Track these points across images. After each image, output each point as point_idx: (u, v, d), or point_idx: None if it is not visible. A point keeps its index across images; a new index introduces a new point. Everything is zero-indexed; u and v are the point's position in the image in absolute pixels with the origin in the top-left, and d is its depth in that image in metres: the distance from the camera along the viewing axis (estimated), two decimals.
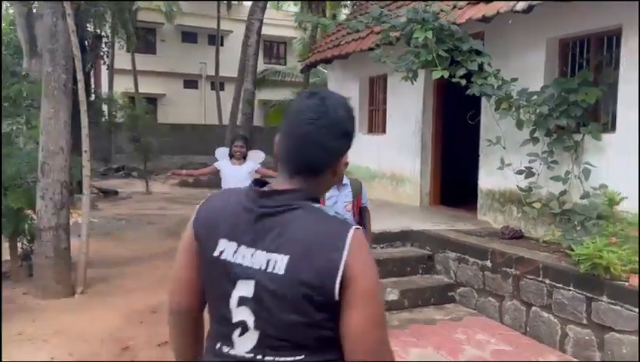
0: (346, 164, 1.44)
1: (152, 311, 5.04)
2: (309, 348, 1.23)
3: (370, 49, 6.90)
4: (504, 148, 5.38)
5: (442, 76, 5.23)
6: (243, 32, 25.22)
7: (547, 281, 4.13)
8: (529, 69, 5.42)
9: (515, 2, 4.80)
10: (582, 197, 4.75)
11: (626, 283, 3.55)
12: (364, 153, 8.32)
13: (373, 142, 8.13)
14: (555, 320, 4.05)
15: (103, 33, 17.92)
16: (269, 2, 22.31)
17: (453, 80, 5.19)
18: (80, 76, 5.51)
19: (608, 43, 4.95)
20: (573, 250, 4.09)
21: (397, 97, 7.54)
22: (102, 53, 16.87)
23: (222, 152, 5.95)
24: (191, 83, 29.30)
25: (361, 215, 3.84)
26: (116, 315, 4.93)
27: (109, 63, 21.34)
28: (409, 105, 7.25)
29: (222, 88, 28.11)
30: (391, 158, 7.63)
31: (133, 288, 5.82)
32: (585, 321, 3.81)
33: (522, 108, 5.14)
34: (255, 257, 1.24)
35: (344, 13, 23.68)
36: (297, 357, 1.23)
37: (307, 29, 25.81)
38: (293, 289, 1.19)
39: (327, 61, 8.43)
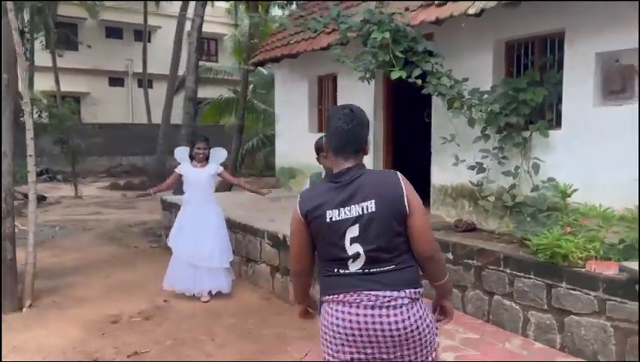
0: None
1: (113, 322, 4.87)
2: (396, 258, 2.07)
3: (323, 48, 6.99)
4: (458, 145, 5.62)
5: (391, 76, 5.40)
6: (172, 28, 24.58)
7: (508, 271, 4.38)
8: (478, 70, 5.68)
9: (469, 5, 5.03)
10: (532, 191, 5.07)
11: (583, 269, 3.85)
12: (314, 152, 8.36)
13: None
14: (517, 307, 4.30)
15: (23, 29, 16.79)
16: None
17: (410, 80, 5.36)
18: (24, 75, 5.16)
19: (551, 45, 5.30)
20: (526, 241, 4.38)
21: (347, 97, 7.64)
22: (23, 50, 15.78)
23: (181, 153, 5.73)
24: (117, 81, 28.14)
25: None
26: (75, 327, 4.71)
27: (29, 61, 20.00)
28: (360, 104, 7.31)
29: (150, 86, 27.17)
30: None
31: (86, 298, 5.58)
32: (546, 307, 4.08)
33: (474, 107, 5.40)
34: (352, 211, 2.05)
35: (278, 11, 23.64)
36: (389, 267, 2.06)
37: (240, 26, 25.48)
38: (383, 215, 2.05)
39: (275, 60, 8.40)
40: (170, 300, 5.40)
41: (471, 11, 5.01)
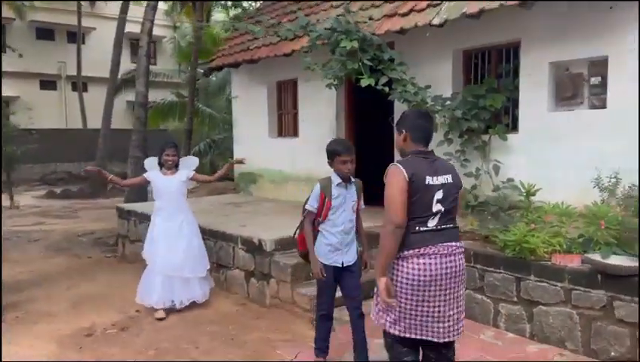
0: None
1: (87, 335, 4.75)
2: (453, 219, 2.92)
3: (286, 55, 7.09)
4: None
5: (361, 83, 5.60)
6: (107, 30, 23.70)
7: (478, 266, 4.66)
8: (438, 77, 5.98)
9: (432, 16, 5.30)
10: (493, 190, 5.40)
11: (549, 263, 4.17)
12: (275, 156, 8.45)
13: (285, 146, 8.30)
14: (488, 300, 4.59)
15: None
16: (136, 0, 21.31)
17: (378, 87, 5.57)
18: None
19: (507, 54, 5.67)
20: (494, 237, 4.70)
21: (309, 102, 7.79)
22: None
23: (151, 162, 5.58)
24: (48, 84, 26.82)
25: (358, 216, 3.92)
26: (47, 343, 4.55)
27: None
28: (323, 110, 7.54)
29: (85, 89, 26.14)
30: (306, 161, 7.85)
31: (52, 312, 5.38)
32: (515, 299, 4.39)
33: (437, 112, 5.68)
34: (440, 179, 2.83)
35: (220, 14, 23.42)
36: (451, 225, 2.90)
37: (179, 28, 24.99)
38: (454, 186, 2.89)
39: (234, 65, 8.39)
40: (142, 310, 5.29)
41: (435, 22, 5.28)
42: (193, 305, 5.32)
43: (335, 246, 3.74)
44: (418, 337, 2.87)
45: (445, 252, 2.81)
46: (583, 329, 3.97)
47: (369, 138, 8.04)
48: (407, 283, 2.80)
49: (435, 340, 2.86)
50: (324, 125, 7.59)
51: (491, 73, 5.80)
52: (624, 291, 3.76)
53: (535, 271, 4.24)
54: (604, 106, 4.78)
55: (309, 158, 7.86)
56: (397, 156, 6.51)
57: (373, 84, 5.50)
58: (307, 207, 3.80)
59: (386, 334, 2.98)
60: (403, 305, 2.82)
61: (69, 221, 12.37)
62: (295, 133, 8.31)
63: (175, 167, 5.43)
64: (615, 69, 4.65)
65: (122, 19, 18.33)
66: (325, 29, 5.78)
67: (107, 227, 11.11)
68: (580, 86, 5.01)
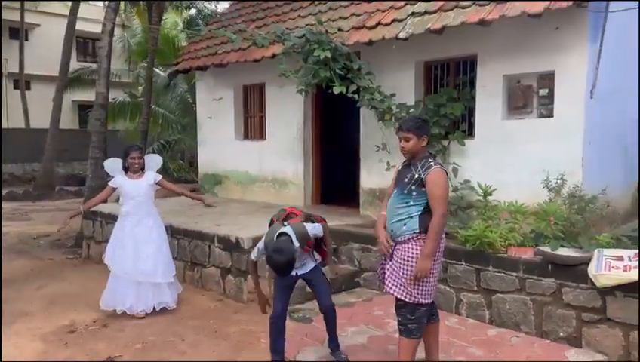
0: None
1: (70, 331, 4.86)
2: None
3: (255, 60, 7.36)
4: (389, 152, 6.31)
5: (334, 90, 5.96)
6: (52, 27, 22.94)
7: (442, 259, 5.09)
8: (401, 86, 6.42)
9: (399, 30, 5.73)
10: (452, 191, 5.86)
11: (506, 255, 4.67)
12: (242, 158, 8.67)
13: (252, 148, 8.54)
14: (451, 289, 5.05)
15: None
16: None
17: (348, 95, 5.95)
18: None
19: (464, 66, 6.18)
20: (454, 233, 5.16)
21: (276, 105, 8.08)
22: None
23: (112, 165, 5.45)
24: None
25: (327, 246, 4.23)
26: (31, 340, 4.63)
27: None
28: (290, 113, 7.85)
29: (28, 87, 25.17)
30: (272, 163, 8.13)
31: (27, 312, 5.42)
32: (475, 288, 4.86)
33: (401, 119, 6.11)
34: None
35: (171, 14, 23.19)
36: None
37: (129, 27, 24.56)
38: None
39: (202, 68, 8.55)
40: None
41: (401, 35, 5.72)
42: (163, 311, 5.24)
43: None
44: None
45: None
46: (536, 314, 4.48)
47: (333, 141, 8.45)
48: (439, 259, 3.55)
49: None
50: (292, 128, 7.90)
51: (450, 83, 6.31)
52: (571, 278, 4.28)
53: (493, 263, 4.72)
54: (551, 115, 5.36)
55: (275, 160, 8.16)
56: (364, 158, 6.93)
57: (344, 92, 5.87)
58: (252, 256, 4.07)
59: (417, 306, 3.50)
60: (434, 277, 3.52)
61: (21, 223, 12.04)
62: (262, 136, 8.57)
63: (141, 169, 5.36)
64: (561, 82, 5.24)
65: (73, 20, 17.94)
66: (298, 37, 6.11)
67: (64, 229, 10.93)
68: (530, 97, 5.57)
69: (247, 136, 8.92)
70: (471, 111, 6.05)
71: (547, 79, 5.40)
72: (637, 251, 4.17)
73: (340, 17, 6.72)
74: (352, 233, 5.98)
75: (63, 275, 6.91)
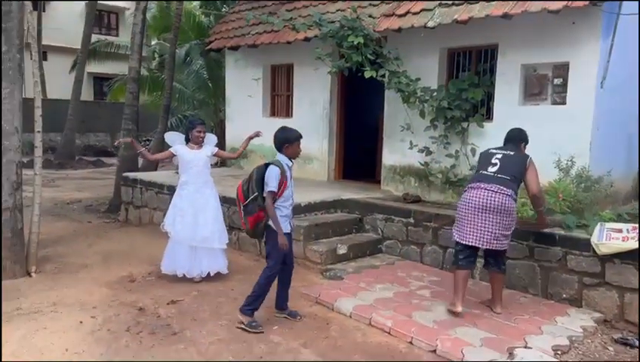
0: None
1: (130, 281, 5.46)
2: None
3: (288, 42, 7.87)
4: (412, 132, 6.87)
5: (365, 75, 6.49)
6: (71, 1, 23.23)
7: None
8: (425, 71, 6.93)
9: (428, 18, 6.24)
10: (470, 169, 6.46)
11: (518, 226, 5.25)
12: (268, 135, 9.18)
13: (279, 125, 9.03)
14: None
15: None
16: None
17: (378, 78, 6.48)
18: (36, 56, 5.47)
19: (485, 55, 6.70)
20: None
21: (304, 86, 8.61)
22: None
23: (174, 137, 5.84)
24: None
25: None
26: (98, 286, 5.24)
27: None
28: (316, 93, 8.39)
29: (45, 58, 25.60)
30: None
31: (86, 264, 6.04)
32: None
33: (426, 102, 6.66)
34: (500, 154, 4.63)
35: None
36: (508, 177, 4.47)
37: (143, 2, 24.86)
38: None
39: (234, 48, 9.06)
40: None
41: (430, 24, 6.23)
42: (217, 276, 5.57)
43: (288, 216, 4.37)
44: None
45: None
46: (543, 278, 5.08)
47: (354, 120, 9.00)
48: (466, 208, 4.58)
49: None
50: (318, 107, 8.45)
51: (471, 70, 6.83)
52: (574, 247, 4.88)
53: None
54: (563, 103, 5.90)
55: None
56: (387, 138, 7.47)
57: (375, 76, 6.40)
58: (271, 188, 4.16)
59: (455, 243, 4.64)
60: (467, 221, 4.53)
61: (51, 190, 12.64)
62: (288, 114, 9.12)
63: (202, 142, 5.70)
64: (574, 72, 5.77)
65: None
66: (331, 22, 6.62)
67: (92, 196, 11.58)
68: (545, 85, 6.11)
69: (273, 113, 9.46)
70: (490, 97, 6.58)
71: (561, 69, 5.92)
72: (635, 225, 4.76)
73: (370, 4, 7.21)
74: (376, 205, 6.58)
75: (109, 236, 7.54)
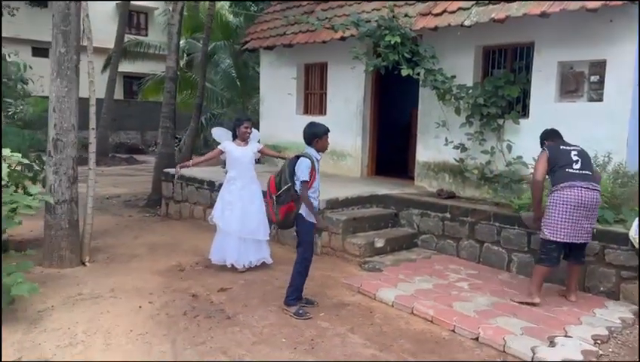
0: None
1: (180, 270, 5.74)
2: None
3: (324, 42, 8.08)
4: (448, 129, 7.01)
5: (402, 73, 6.66)
6: (102, 2, 23.80)
7: (497, 224, 5.84)
8: (461, 69, 7.06)
9: (464, 17, 6.37)
10: (507, 166, 6.57)
11: None
12: (301, 132, 9.43)
13: None
14: (503, 250, 5.79)
15: None
16: None
17: (415, 76, 6.64)
18: (91, 57, 5.78)
19: (520, 52, 6.80)
20: (497, 204, 5.92)
21: (338, 84, 8.81)
22: None
23: (222, 133, 6.03)
24: (41, 51, 26.84)
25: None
26: (151, 274, 5.52)
27: None
28: (350, 91, 8.58)
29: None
30: (332, 136, 8.71)
31: (136, 255, 6.33)
32: (526, 249, 5.59)
33: (461, 99, 6.79)
34: (574, 150, 4.79)
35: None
36: (590, 172, 4.68)
37: (173, 2, 25.37)
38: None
39: (270, 48, 9.31)
40: None
41: (466, 23, 6.36)
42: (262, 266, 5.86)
43: (316, 206, 4.59)
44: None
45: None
46: (581, 271, 5.18)
47: (386, 118, 9.16)
48: (561, 207, 4.69)
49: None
50: (351, 105, 8.64)
51: (506, 67, 6.93)
52: (612, 241, 4.97)
53: None
54: (600, 100, 5.98)
55: (335, 134, 8.81)
56: (421, 134, 7.63)
57: (411, 74, 6.56)
58: (304, 178, 4.38)
59: (546, 241, 4.73)
60: (560, 219, 4.67)
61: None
62: (321, 112, 9.32)
63: (248, 138, 5.90)
64: (611, 70, 5.84)
65: None
66: (367, 22, 6.80)
67: (129, 191, 11.98)
68: (581, 82, 6.19)
69: (306, 111, 9.68)
70: (525, 93, 6.68)
71: (598, 67, 6.00)
72: None
73: (406, 4, 7.36)
74: (412, 200, 6.74)
75: (152, 228, 7.86)
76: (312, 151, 4.57)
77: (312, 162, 4.46)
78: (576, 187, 4.57)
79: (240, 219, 5.68)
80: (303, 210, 4.51)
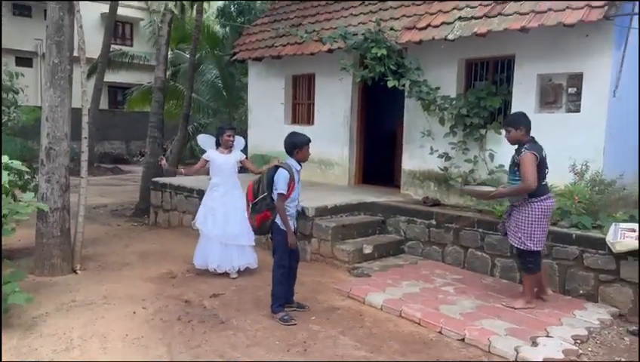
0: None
1: (171, 277, 5.82)
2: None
3: (311, 54, 8.27)
4: (432, 139, 7.22)
5: (387, 84, 6.87)
6: (85, 11, 23.83)
7: (480, 230, 6.04)
8: (445, 80, 7.28)
9: (447, 32, 6.61)
10: (489, 174, 6.79)
11: None
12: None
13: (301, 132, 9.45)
14: (487, 255, 5.98)
15: None
16: None
17: (400, 88, 6.85)
18: (84, 68, 5.88)
19: (501, 65, 7.05)
20: (481, 211, 6.10)
21: (326, 95, 8.99)
22: None
23: (206, 140, 6.18)
24: (25, 61, 26.70)
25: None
26: (143, 281, 5.59)
27: None
28: (338, 102, 8.77)
29: None
30: (319, 146, 8.93)
31: (127, 263, 6.39)
32: (508, 254, 5.78)
33: (445, 110, 7.01)
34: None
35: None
36: None
37: (158, 13, 25.48)
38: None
39: (258, 59, 9.47)
40: None
41: (450, 37, 6.59)
42: (246, 271, 6.00)
43: (293, 215, 4.67)
44: None
45: None
46: (560, 275, 5.40)
47: (373, 127, 9.37)
48: (542, 220, 4.85)
49: None
50: (339, 115, 8.82)
51: (488, 79, 7.18)
52: (590, 246, 5.19)
53: None
54: (578, 110, 6.24)
55: (322, 144, 9.04)
56: (406, 144, 7.84)
57: (397, 86, 6.77)
58: (280, 190, 4.45)
59: (531, 253, 4.81)
60: (542, 231, 4.85)
61: (76, 195, 13.03)
62: (309, 121, 9.49)
63: (231, 146, 6.08)
64: (588, 82, 6.10)
65: (114, 5, 18.94)
66: (354, 35, 7.00)
67: (116, 201, 11.99)
68: (560, 94, 6.45)
69: (294, 121, 9.84)
70: (507, 104, 6.92)
71: (576, 79, 6.26)
72: None
73: (392, 18, 7.59)
74: (399, 207, 6.92)
75: (141, 237, 7.91)
76: (292, 161, 4.63)
77: (291, 173, 4.52)
78: (550, 197, 4.80)
79: (222, 225, 5.83)
80: (279, 219, 4.59)
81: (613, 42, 5.90)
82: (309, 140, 4.70)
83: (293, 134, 4.71)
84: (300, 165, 4.70)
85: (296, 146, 4.61)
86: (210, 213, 5.91)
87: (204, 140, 6.28)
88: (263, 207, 4.57)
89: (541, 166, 4.65)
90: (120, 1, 25.09)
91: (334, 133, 8.87)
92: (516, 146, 4.84)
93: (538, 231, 4.72)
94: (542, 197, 4.69)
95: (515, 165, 4.75)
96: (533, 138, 4.82)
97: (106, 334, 4.15)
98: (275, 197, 4.54)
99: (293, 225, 4.70)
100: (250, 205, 4.65)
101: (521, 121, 4.78)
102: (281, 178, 4.47)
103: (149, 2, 27.74)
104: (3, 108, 6.92)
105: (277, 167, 4.58)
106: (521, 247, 4.79)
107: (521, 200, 4.73)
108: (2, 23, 24.02)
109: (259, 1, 17.62)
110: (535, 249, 4.77)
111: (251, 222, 4.72)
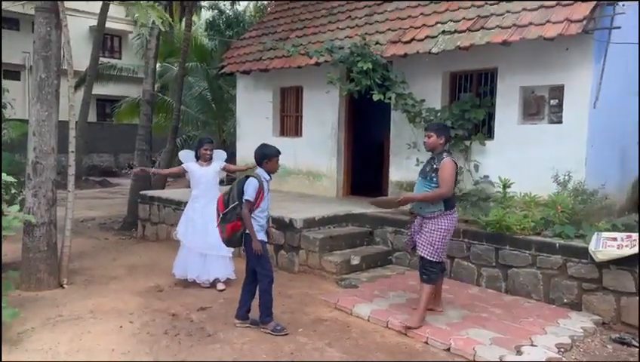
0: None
1: (159, 291, 5.81)
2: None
3: (299, 67, 8.35)
4: (419, 150, 7.31)
5: (373, 98, 6.95)
6: (72, 23, 23.86)
7: (466, 240, 6.10)
8: (430, 93, 7.40)
9: (431, 45, 6.73)
10: (474, 184, 6.88)
11: (521, 237, 5.65)
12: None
13: (288, 144, 9.43)
14: (473, 265, 6.04)
15: None
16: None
17: (386, 101, 6.95)
18: (71, 82, 5.90)
19: (485, 77, 7.18)
20: (467, 221, 6.18)
21: (313, 107, 9.07)
22: None
23: (186, 155, 6.35)
24: (12, 74, 26.60)
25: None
26: (130, 295, 5.59)
27: None
28: (325, 114, 8.85)
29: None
30: (308, 157, 9.11)
31: (114, 276, 6.38)
32: (494, 264, 5.85)
33: (430, 122, 7.10)
34: None
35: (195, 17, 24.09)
36: None
37: (146, 27, 25.52)
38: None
39: (246, 72, 9.54)
40: None
41: (434, 50, 6.71)
42: (227, 282, 6.01)
43: (263, 226, 4.69)
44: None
45: None
46: (545, 284, 5.47)
47: (360, 139, 9.45)
48: (448, 233, 4.84)
49: None
50: (326, 127, 8.89)
51: (472, 92, 7.30)
52: (573, 255, 5.27)
53: (510, 243, 5.70)
54: (560, 122, 6.36)
55: (310, 155, 9.14)
56: (393, 155, 7.93)
57: (382, 99, 6.86)
58: (247, 197, 4.49)
59: (437, 263, 4.77)
60: (444, 243, 4.85)
61: (63, 209, 12.95)
62: (297, 133, 9.56)
63: (210, 159, 6.18)
64: (569, 94, 6.24)
65: (102, 19, 18.98)
66: (340, 48, 7.10)
67: (104, 214, 11.94)
68: (542, 106, 6.58)
69: (282, 133, 9.90)
70: (490, 116, 7.04)
71: (557, 91, 6.39)
72: (629, 234, 5.17)
73: (377, 31, 7.71)
74: (386, 218, 6.97)
75: (129, 251, 7.89)
76: (261, 172, 4.68)
77: (261, 183, 4.57)
78: (456, 212, 4.86)
79: (201, 235, 5.92)
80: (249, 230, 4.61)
81: (593, 55, 6.05)
82: (279, 152, 4.78)
83: (264, 146, 4.80)
84: (270, 176, 4.75)
85: (266, 157, 4.68)
86: (191, 223, 6.05)
87: (184, 155, 6.45)
88: (233, 216, 4.59)
89: (456, 177, 4.71)
90: (108, 15, 25.29)
91: (322, 145, 8.94)
92: (429, 154, 4.89)
93: (444, 244, 4.75)
94: (451, 210, 4.72)
95: (433, 171, 4.66)
96: (449, 150, 4.95)
97: (93, 349, 4.14)
98: None
99: (263, 237, 4.71)
100: (221, 215, 4.67)
101: (445, 131, 4.85)
102: (250, 186, 4.52)
103: (136, 15, 27.77)
104: None
105: (247, 177, 4.63)
106: (433, 259, 4.70)
107: (438, 212, 4.64)
108: None
109: (247, 14, 17.76)
110: (439, 260, 4.76)
111: (221, 233, 4.72)
